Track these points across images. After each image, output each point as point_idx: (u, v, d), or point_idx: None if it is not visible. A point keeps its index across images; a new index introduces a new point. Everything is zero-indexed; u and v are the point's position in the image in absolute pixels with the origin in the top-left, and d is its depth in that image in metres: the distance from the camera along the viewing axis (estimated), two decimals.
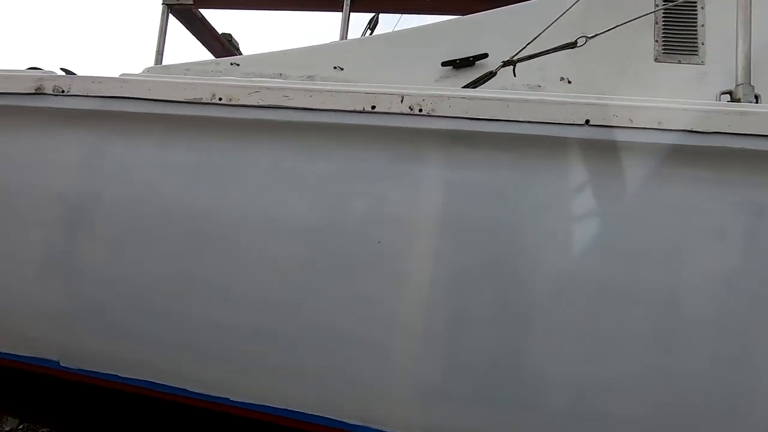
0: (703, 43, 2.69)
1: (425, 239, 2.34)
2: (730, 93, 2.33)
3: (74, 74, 2.81)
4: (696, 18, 2.73)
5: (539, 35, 2.51)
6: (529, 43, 2.50)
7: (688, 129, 2.18)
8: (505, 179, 2.31)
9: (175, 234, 2.49)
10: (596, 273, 2.19)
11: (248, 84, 2.49)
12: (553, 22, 2.52)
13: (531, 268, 2.25)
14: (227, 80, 2.55)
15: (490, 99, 2.32)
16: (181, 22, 3.65)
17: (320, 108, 2.42)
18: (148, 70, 3.02)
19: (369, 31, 4.79)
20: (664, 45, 2.72)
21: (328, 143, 2.43)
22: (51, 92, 2.61)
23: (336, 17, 3.28)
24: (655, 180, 2.19)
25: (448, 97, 2.35)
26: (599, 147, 2.23)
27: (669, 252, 2.17)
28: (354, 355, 2.35)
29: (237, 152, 2.49)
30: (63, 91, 2.61)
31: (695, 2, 2.72)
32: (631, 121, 2.22)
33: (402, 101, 2.37)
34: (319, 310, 2.39)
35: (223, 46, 3.83)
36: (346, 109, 2.40)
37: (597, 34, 2.44)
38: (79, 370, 2.67)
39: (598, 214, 2.22)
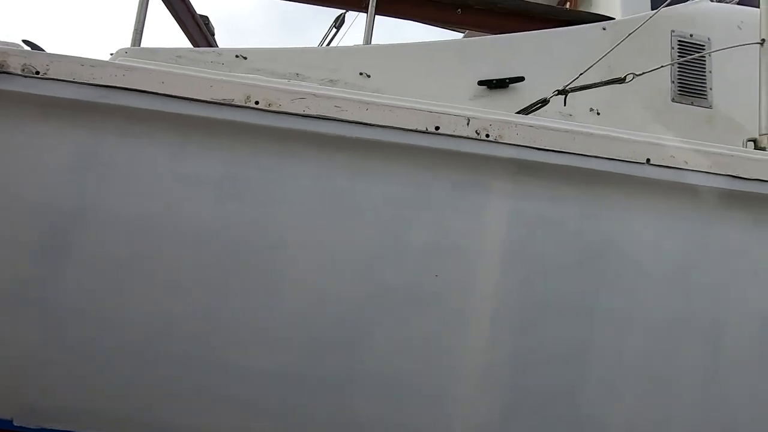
0: (711, 89, 2.89)
1: (486, 274, 2.20)
2: (754, 141, 2.51)
3: (42, 50, 2.18)
4: (704, 65, 2.92)
5: (592, 66, 2.50)
6: (581, 74, 2.47)
7: (735, 175, 2.30)
8: (570, 214, 2.24)
9: (195, 263, 2.05)
10: (655, 310, 2.22)
11: (292, 88, 2.13)
12: (606, 54, 2.53)
13: (593, 306, 2.22)
14: (265, 81, 2.15)
15: (556, 130, 2.24)
16: None
17: (377, 124, 2.15)
18: (127, 52, 2.45)
19: (334, 29, 4.47)
20: (679, 86, 2.87)
21: (384, 164, 2.17)
22: (19, 72, 1.99)
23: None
24: (710, 222, 2.28)
25: (516, 124, 2.22)
26: (659, 186, 2.27)
27: (716, 290, 2.27)
28: (409, 401, 2.13)
29: (275, 168, 2.12)
30: (38, 73, 2.01)
31: (703, 49, 2.91)
32: (686, 162, 2.29)
33: (468, 124, 2.19)
34: (370, 352, 2.12)
35: (200, 29, 3.28)
36: (407, 127, 2.16)
37: (644, 72, 2.48)
38: (42, 430, 2.10)
39: (658, 253, 2.26)
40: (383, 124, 2.15)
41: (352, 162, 2.16)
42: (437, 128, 2.16)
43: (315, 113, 2.11)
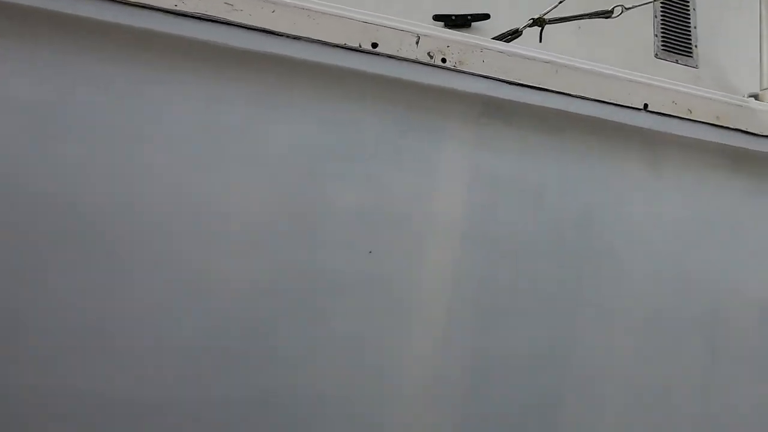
0: (696, 46, 2.49)
1: (437, 251, 1.63)
2: (755, 96, 2.13)
3: None
4: (689, 19, 2.51)
5: None
6: (561, 2, 1.91)
7: (744, 129, 1.85)
8: (547, 172, 1.71)
9: (25, 231, 1.33)
10: (649, 296, 1.75)
11: None
12: None
13: (572, 290, 1.72)
14: None
15: (534, 59, 1.68)
16: None
17: (288, 34, 1.49)
18: None
19: None
20: (663, 42, 2.45)
21: (298, 93, 1.53)
22: None
23: None
24: (711, 185, 1.83)
25: (482, 48, 1.64)
26: (657, 137, 1.78)
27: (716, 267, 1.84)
28: (335, 420, 1.54)
29: (129, 89, 1.42)
30: None
31: (688, 3, 2.50)
32: (690, 112, 1.80)
33: (417, 43, 1.58)
34: (281, 360, 1.51)
35: None
36: (332, 41, 1.52)
37: (634, 6, 1.98)
38: None
39: (653, 224, 1.77)
40: (297, 34, 1.50)
41: (251, 89, 1.49)
42: (374, 45, 1.54)
43: (192, 11, 1.42)
